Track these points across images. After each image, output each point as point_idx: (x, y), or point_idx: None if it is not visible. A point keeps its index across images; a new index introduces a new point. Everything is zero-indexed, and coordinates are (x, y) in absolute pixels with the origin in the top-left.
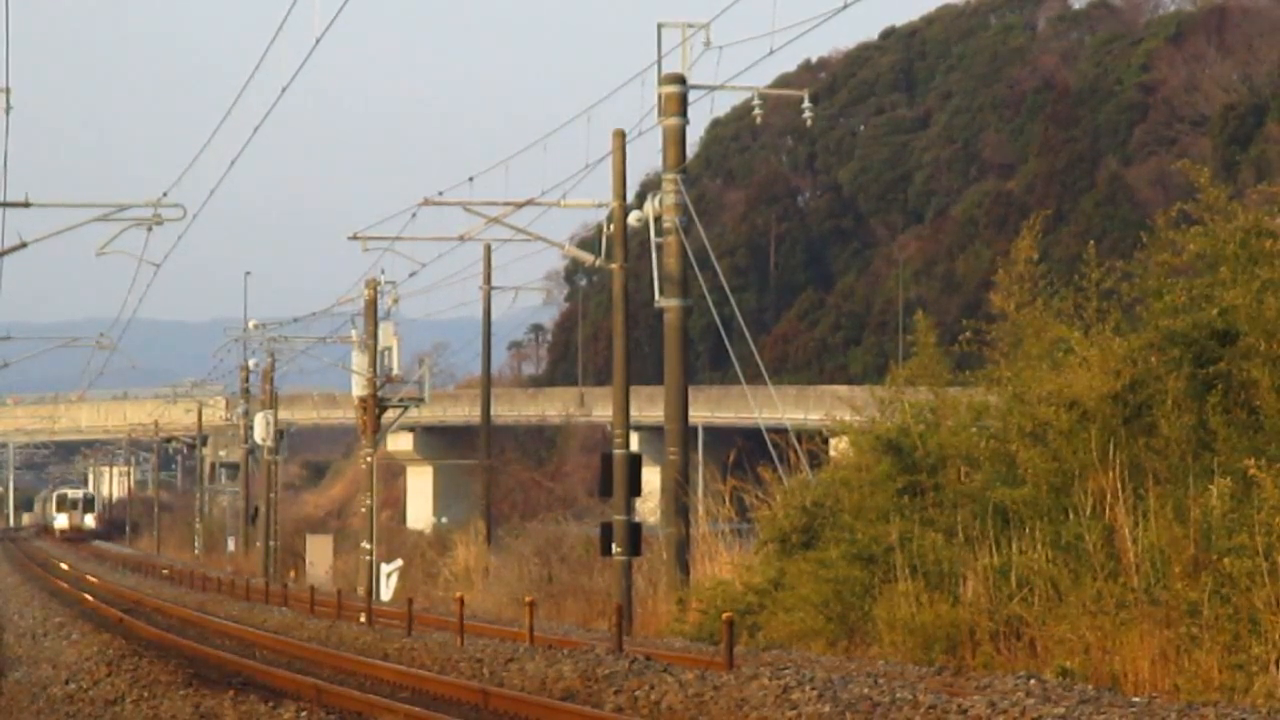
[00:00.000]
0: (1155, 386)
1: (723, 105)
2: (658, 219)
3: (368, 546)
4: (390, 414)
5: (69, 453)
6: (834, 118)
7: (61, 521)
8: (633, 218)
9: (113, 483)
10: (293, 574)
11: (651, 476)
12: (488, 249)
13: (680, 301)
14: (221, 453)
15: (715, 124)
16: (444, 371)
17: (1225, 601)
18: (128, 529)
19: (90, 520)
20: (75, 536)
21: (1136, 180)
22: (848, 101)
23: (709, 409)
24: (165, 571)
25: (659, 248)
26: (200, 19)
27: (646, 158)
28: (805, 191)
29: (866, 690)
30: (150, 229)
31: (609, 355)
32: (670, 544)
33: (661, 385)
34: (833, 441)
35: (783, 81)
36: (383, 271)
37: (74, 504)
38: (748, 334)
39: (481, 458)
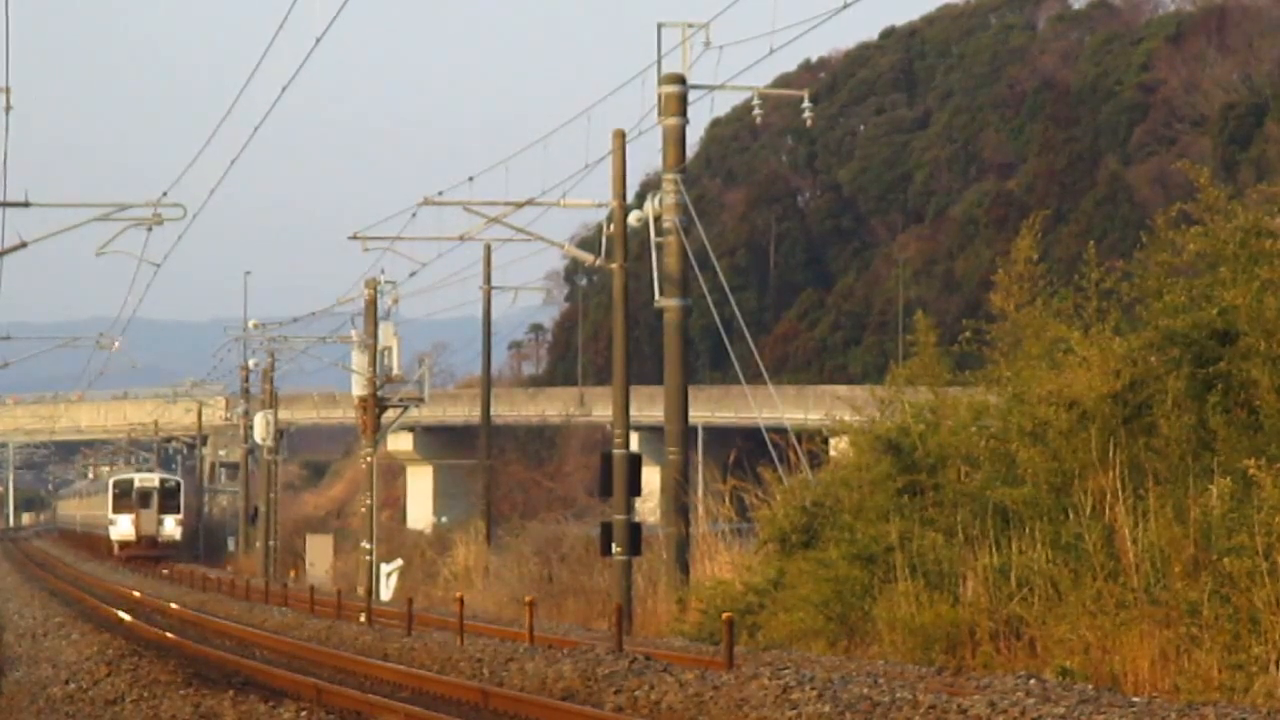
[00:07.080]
0: (1155, 386)
1: (723, 105)
2: (658, 219)
3: (368, 546)
4: (390, 414)
5: (69, 453)
6: (834, 118)
7: (124, 528)
8: (633, 217)
9: None
10: (293, 574)
11: (651, 476)
12: (488, 249)
13: (680, 301)
14: (221, 452)
15: (715, 124)
16: (444, 371)
17: (1225, 601)
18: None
19: (173, 525)
20: (146, 553)
21: (1136, 180)
22: (848, 101)
23: (709, 409)
24: (165, 571)
25: (659, 247)
26: (200, 19)
27: (646, 158)
28: (805, 191)
29: (866, 690)
30: (150, 229)
31: (609, 355)
32: (670, 544)
33: (661, 385)
34: (833, 441)
35: (783, 81)
36: (383, 271)
37: (145, 497)
38: (747, 334)
39: (481, 457)
